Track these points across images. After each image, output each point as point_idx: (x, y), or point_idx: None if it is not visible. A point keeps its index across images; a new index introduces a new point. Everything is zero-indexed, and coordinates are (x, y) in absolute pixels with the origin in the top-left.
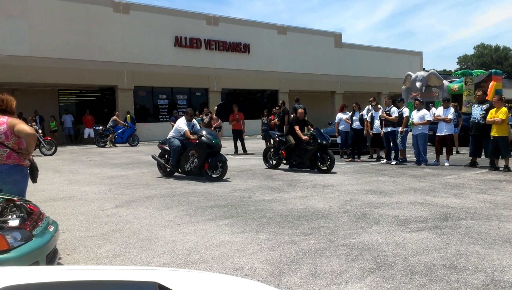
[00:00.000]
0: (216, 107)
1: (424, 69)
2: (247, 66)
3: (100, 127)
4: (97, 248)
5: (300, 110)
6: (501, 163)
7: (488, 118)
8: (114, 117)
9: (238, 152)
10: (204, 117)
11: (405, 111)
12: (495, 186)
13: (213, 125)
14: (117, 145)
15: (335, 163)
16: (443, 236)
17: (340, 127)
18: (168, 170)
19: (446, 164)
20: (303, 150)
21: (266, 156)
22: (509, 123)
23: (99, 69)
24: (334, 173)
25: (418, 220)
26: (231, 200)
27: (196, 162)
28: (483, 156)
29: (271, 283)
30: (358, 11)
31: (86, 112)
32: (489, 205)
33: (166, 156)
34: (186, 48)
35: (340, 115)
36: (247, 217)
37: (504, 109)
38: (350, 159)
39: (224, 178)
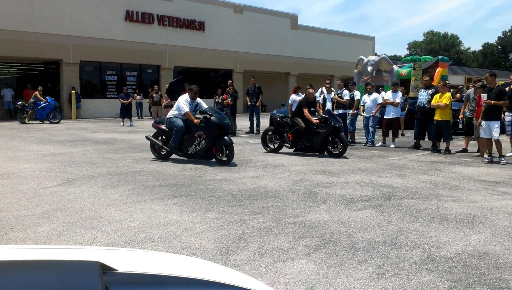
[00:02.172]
0: (167, 85)
1: (376, 53)
2: (201, 44)
3: (20, 103)
4: (36, 227)
5: (311, 90)
6: (443, 145)
7: (433, 102)
8: (36, 92)
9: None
10: (154, 94)
11: (357, 94)
12: (436, 167)
13: (163, 103)
14: (42, 121)
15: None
16: (385, 214)
17: (293, 108)
18: (164, 152)
19: (392, 146)
20: (314, 133)
21: (265, 139)
22: (452, 108)
23: (42, 42)
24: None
25: (363, 199)
26: (180, 179)
27: (203, 144)
28: (426, 139)
29: (218, 261)
30: None
31: (27, 86)
32: (430, 185)
33: (163, 137)
34: (138, 23)
35: (293, 97)
36: (196, 196)
37: (448, 94)
38: None
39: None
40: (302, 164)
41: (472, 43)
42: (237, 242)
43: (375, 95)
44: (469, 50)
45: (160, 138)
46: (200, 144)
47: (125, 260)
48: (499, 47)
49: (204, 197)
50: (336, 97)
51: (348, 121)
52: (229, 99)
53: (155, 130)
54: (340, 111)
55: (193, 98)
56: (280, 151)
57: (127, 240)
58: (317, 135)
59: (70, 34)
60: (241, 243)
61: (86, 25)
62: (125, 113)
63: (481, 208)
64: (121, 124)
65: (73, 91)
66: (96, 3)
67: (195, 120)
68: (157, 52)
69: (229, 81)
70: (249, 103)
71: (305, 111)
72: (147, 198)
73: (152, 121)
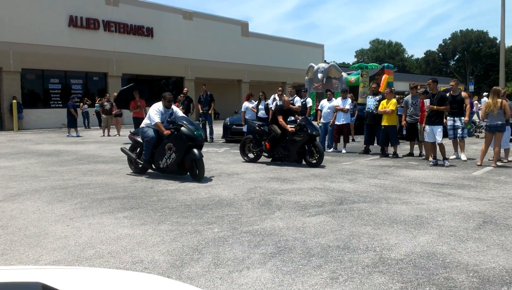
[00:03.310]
0: (115, 94)
1: (325, 61)
2: (150, 51)
3: None
4: None
5: (286, 98)
6: (391, 150)
7: (380, 108)
8: None
9: None
10: (105, 103)
11: (308, 101)
12: (385, 171)
13: (113, 112)
14: None
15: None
16: (338, 219)
17: (247, 116)
18: (141, 166)
19: (343, 151)
20: (290, 141)
21: (243, 149)
22: (398, 113)
23: None
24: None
25: (316, 205)
26: (131, 191)
27: (174, 157)
28: (376, 144)
29: (172, 274)
30: (266, 1)
31: None
32: (379, 188)
33: (139, 149)
34: (82, 28)
35: (246, 104)
36: (148, 208)
37: (394, 100)
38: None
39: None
40: (257, 172)
41: (415, 50)
42: (192, 254)
43: (334, 102)
44: (412, 58)
45: (137, 150)
46: (170, 157)
47: (70, 280)
48: (440, 54)
49: (156, 208)
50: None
51: None
52: (181, 107)
53: (131, 142)
54: (292, 118)
55: (166, 107)
56: (259, 160)
57: (74, 257)
58: (293, 144)
59: (10, 41)
60: (195, 255)
61: (27, 31)
62: (74, 123)
63: (428, 209)
64: (70, 134)
65: (14, 100)
66: (37, 8)
67: (166, 131)
68: (103, 59)
69: (185, 89)
70: (201, 111)
71: (280, 118)
72: (96, 212)
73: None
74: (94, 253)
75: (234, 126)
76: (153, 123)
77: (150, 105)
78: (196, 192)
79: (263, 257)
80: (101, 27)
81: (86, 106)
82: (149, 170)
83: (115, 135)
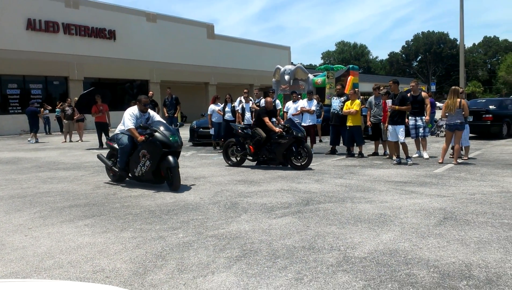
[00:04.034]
0: (76, 98)
1: (292, 63)
2: (113, 54)
3: None
4: None
5: (269, 99)
6: (356, 150)
7: (344, 109)
8: None
9: (104, 146)
10: (67, 108)
11: (278, 103)
12: (351, 171)
13: (75, 117)
14: None
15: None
16: (304, 220)
17: (213, 119)
18: (118, 173)
19: None
20: (275, 144)
21: (226, 153)
22: (363, 114)
23: None
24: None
25: (283, 206)
26: (93, 198)
27: (148, 165)
28: (342, 144)
29: (134, 282)
30: (232, 3)
31: None
32: (345, 188)
33: (116, 156)
34: (41, 32)
35: (212, 107)
36: (110, 215)
37: (358, 101)
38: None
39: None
40: (224, 175)
41: (380, 52)
42: (155, 261)
43: (300, 103)
44: (377, 59)
45: (114, 157)
46: (145, 165)
47: None
48: (403, 55)
49: (119, 215)
50: (254, 106)
51: None
52: None
53: (108, 149)
54: (274, 120)
55: (142, 111)
56: (243, 164)
57: (33, 268)
58: (278, 146)
59: None
60: (159, 262)
61: None
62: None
63: (391, 207)
64: (33, 140)
65: None
66: None
67: (139, 137)
68: (64, 62)
69: (150, 92)
70: (166, 114)
71: (266, 119)
72: (56, 221)
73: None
74: (53, 263)
75: (201, 129)
76: (126, 129)
77: (113, 109)
78: (161, 197)
79: (228, 261)
80: (61, 30)
81: (46, 111)
82: (127, 179)
83: (77, 141)
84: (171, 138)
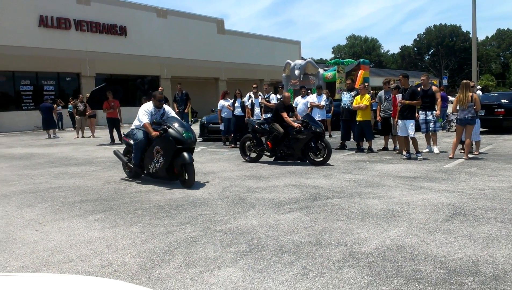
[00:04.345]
0: (88, 94)
1: (302, 57)
2: (124, 50)
3: None
4: None
5: (286, 94)
6: (366, 145)
7: (354, 104)
8: None
9: (115, 142)
10: (79, 104)
11: None
12: (360, 166)
13: (87, 113)
14: None
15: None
16: (312, 215)
17: (223, 114)
18: (133, 169)
19: None
20: (294, 139)
21: (243, 148)
22: (373, 108)
23: None
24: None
25: (291, 202)
26: (103, 194)
27: (162, 161)
28: (352, 139)
29: (141, 276)
30: None
31: None
32: (353, 183)
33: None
34: (53, 28)
35: (222, 102)
36: (120, 210)
37: (367, 96)
38: (233, 145)
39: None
40: (233, 170)
41: (391, 45)
42: (163, 255)
43: (309, 98)
44: (388, 53)
45: (130, 153)
46: (158, 161)
47: (29, 287)
48: (415, 49)
49: (128, 210)
50: (264, 101)
51: None
52: None
53: (125, 145)
54: (269, 115)
55: (157, 107)
56: (260, 160)
57: (43, 262)
58: (297, 142)
59: None
60: (166, 256)
61: None
62: (52, 124)
63: (400, 203)
64: (50, 136)
65: None
66: (6, 8)
67: (153, 133)
68: (76, 59)
69: (160, 88)
70: (176, 110)
71: (284, 115)
72: (66, 215)
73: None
74: (63, 258)
75: (211, 124)
76: (141, 124)
77: (124, 105)
78: (170, 193)
79: (235, 256)
80: (73, 26)
81: (59, 107)
82: (142, 175)
83: (90, 137)
84: (184, 134)
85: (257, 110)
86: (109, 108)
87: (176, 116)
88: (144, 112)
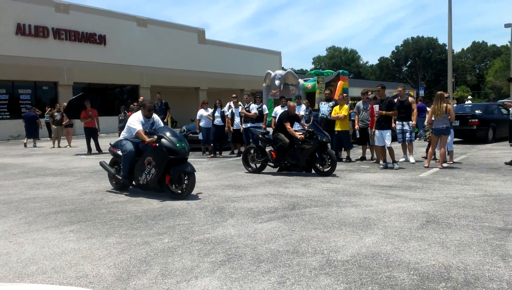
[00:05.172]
0: (65, 104)
1: (283, 68)
2: (103, 59)
3: None
4: None
5: (291, 104)
6: (344, 154)
7: (332, 114)
8: None
9: (92, 152)
10: (56, 113)
11: (264, 108)
12: (338, 175)
13: (64, 122)
14: None
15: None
16: (290, 224)
17: (201, 124)
18: (122, 181)
19: None
20: (299, 149)
21: (246, 159)
22: (351, 119)
23: None
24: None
25: (269, 211)
26: (79, 204)
27: (154, 172)
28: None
29: (117, 287)
30: (224, 7)
31: None
32: (331, 192)
33: (119, 163)
34: (31, 36)
35: (201, 112)
36: (96, 221)
37: (346, 106)
38: (212, 155)
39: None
40: (212, 180)
41: (370, 57)
42: (139, 266)
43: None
44: (367, 64)
45: (117, 165)
46: (150, 172)
47: None
48: (393, 60)
49: (105, 221)
50: (244, 111)
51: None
52: None
53: (112, 156)
54: (249, 125)
55: (147, 116)
56: (264, 171)
57: (16, 274)
58: (302, 152)
59: None
60: (143, 267)
61: None
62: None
63: (376, 211)
64: (32, 145)
65: None
66: None
67: (148, 139)
68: (53, 68)
69: (141, 97)
70: None
71: (287, 125)
72: (41, 226)
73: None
74: (37, 269)
75: (191, 134)
76: (134, 133)
77: (102, 115)
78: (148, 203)
79: (212, 266)
80: (51, 35)
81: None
82: (131, 187)
83: (66, 147)
84: (178, 145)
85: (237, 119)
86: (87, 117)
87: (167, 126)
88: (136, 121)
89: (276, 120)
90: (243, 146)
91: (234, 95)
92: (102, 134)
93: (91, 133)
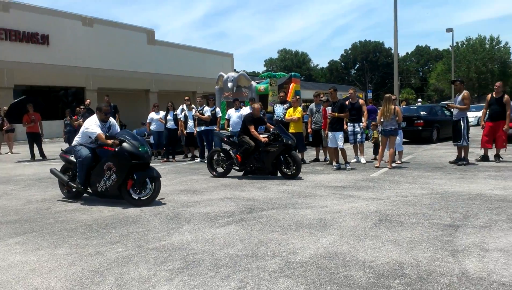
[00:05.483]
0: (5, 107)
1: (235, 70)
2: (46, 60)
3: None
4: None
5: (256, 106)
6: (298, 156)
7: (286, 116)
8: None
9: (36, 158)
10: None
11: (218, 111)
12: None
13: (4, 128)
14: None
15: None
16: (247, 227)
17: (152, 127)
18: (74, 189)
19: None
20: (264, 152)
21: (211, 163)
22: (305, 121)
23: None
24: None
25: (226, 215)
26: (24, 214)
27: (114, 178)
28: None
29: None
30: (174, 8)
31: None
32: (287, 195)
33: (72, 170)
34: None
35: (151, 115)
36: (44, 231)
37: (299, 108)
38: (165, 159)
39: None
40: (165, 185)
41: (320, 60)
42: (92, 277)
43: (242, 110)
44: (317, 67)
45: (69, 171)
46: (110, 178)
47: None
48: (342, 64)
49: (53, 231)
50: (197, 114)
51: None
52: (81, 120)
53: (63, 162)
54: (202, 128)
55: (103, 120)
56: (229, 175)
57: None
58: (267, 155)
59: None
60: (96, 278)
61: None
62: None
63: (331, 211)
64: None
65: None
66: None
67: (110, 142)
68: None
69: (87, 100)
70: None
71: (251, 128)
72: None
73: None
74: None
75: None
76: (94, 136)
77: (46, 119)
78: (98, 211)
79: (170, 274)
80: None
81: None
82: (86, 195)
83: (7, 153)
84: (140, 149)
85: (190, 122)
86: (30, 122)
87: (127, 130)
88: (94, 125)
89: (242, 123)
90: (196, 149)
91: (187, 98)
92: (46, 140)
93: (34, 139)
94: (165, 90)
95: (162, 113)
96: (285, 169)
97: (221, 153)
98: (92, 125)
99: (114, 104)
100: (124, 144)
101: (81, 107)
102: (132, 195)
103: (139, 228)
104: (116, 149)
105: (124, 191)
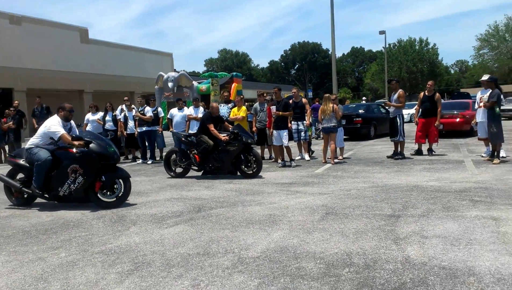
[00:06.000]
0: None
1: (175, 70)
2: None
3: None
4: None
5: (214, 105)
6: None
7: (231, 116)
8: None
9: None
10: None
11: (160, 111)
12: (239, 175)
13: None
14: None
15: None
16: (197, 227)
17: (88, 128)
18: (27, 195)
19: None
20: (223, 152)
21: (168, 163)
22: (249, 120)
23: None
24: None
25: (174, 215)
26: None
27: (80, 181)
28: None
29: None
30: (107, 6)
31: None
32: (235, 193)
33: (22, 175)
34: None
35: (88, 116)
36: None
37: (244, 108)
38: None
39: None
40: None
41: (260, 60)
42: (36, 284)
43: (186, 110)
44: (258, 67)
45: (17, 176)
46: (76, 181)
47: None
48: (282, 64)
49: None
50: (138, 114)
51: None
52: (10, 122)
53: (11, 166)
54: (144, 129)
55: (66, 119)
56: (187, 175)
57: None
58: (227, 154)
59: None
60: (40, 284)
61: None
62: None
63: (279, 207)
64: None
65: None
66: None
67: (76, 143)
68: None
69: (15, 102)
70: (35, 126)
71: (211, 127)
72: None
73: None
74: None
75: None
76: (57, 137)
77: None
78: (36, 216)
79: (119, 276)
80: None
81: None
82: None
83: None
84: (109, 149)
85: (131, 123)
86: None
87: (89, 130)
88: (57, 124)
89: (200, 122)
90: (138, 151)
91: (126, 98)
92: None
93: None
94: (101, 90)
95: (100, 114)
96: (245, 168)
97: (179, 154)
98: (55, 125)
99: (46, 105)
100: (92, 145)
101: (11, 109)
102: (101, 198)
103: (81, 232)
104: (80, 151)
105: (91, 194)
